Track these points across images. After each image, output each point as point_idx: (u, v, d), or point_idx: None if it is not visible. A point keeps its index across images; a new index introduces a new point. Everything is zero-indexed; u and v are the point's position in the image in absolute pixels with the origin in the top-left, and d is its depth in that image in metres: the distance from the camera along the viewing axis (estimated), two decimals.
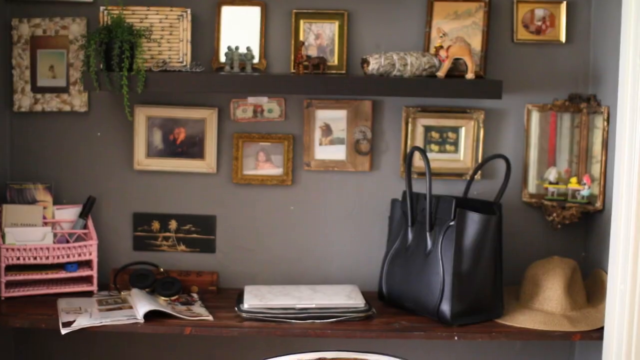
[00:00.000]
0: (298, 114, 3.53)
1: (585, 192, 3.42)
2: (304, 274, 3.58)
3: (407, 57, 3.28)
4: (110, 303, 3.27)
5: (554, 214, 3.46)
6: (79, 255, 3.38)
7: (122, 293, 3.38)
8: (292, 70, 3.45)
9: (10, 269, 3.31)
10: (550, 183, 3.47)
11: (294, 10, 3.46)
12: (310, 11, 3.47)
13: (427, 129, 3.53)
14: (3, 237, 3.31)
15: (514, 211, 3.51)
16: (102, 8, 3.36)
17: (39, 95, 3.49)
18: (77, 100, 3.50)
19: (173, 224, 3.58)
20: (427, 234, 3.18)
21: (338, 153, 3.53)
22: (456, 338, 3.11)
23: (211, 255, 3.60)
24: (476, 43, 3.44)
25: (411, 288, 3.22)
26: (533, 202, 3.53)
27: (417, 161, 3.47)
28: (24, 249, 3.30)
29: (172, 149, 3.54)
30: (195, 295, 3.43)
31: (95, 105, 3.53)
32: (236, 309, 3.21)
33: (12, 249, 3.29)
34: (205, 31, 3.47)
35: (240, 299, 3.27)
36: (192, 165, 3.54)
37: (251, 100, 3.52)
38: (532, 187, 3.54)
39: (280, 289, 3.33)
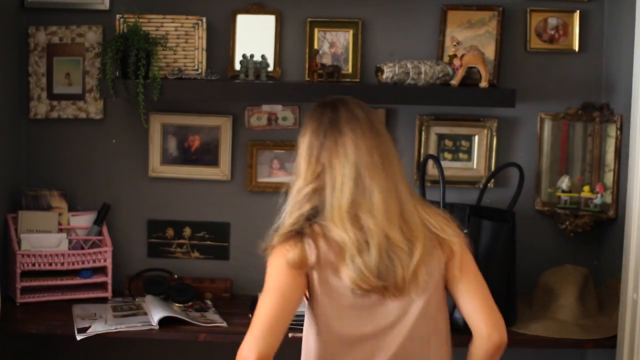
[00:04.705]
0: None
1: (597, 200, 3.42)
2: None
3: (421, 65, 3.29)
4: (125, 309, 3.29)
5: (567, 223, 3.46)
6: (94, 261, 3.40)
7: (137, 299, 3.39)
8: (307, 79, 3.47)
9: (25, 275, 3.32)
10: (563, 191, 3.48)
11: (309, 19, 3.48)
12: (324, 20, 3.49)
13: (441, 137, 3.54)
14: (19, 243, 3.33)
15: (526, 219, 3.51)
16: (118, 16, 3.39)
17: (55, 102, 3.52)
18: (93, 108, 3.52)
19: (187, 231, 3.60)
20: None
21: None
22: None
23: (225, 262, 3.61)
24: (490, 52, 3.45)
25: None
26: (546, 210, 3.53)
27: (431, 169, 3.48)
28: (39, 255, 3.32)
29: (187, 156, 3.56)
30: (209, 302, 3.44)
31: (111, 113, 3.55)
32: (250, 315, 3.21)
33: (28, 255, 3.30)
34: (220, 39, 3.49)
35: (253, 305, 3.26)
36: (207, 173, 3.56)
37: (266, 108, 3.53)
38: (544, 195, 3.55)
39: None
